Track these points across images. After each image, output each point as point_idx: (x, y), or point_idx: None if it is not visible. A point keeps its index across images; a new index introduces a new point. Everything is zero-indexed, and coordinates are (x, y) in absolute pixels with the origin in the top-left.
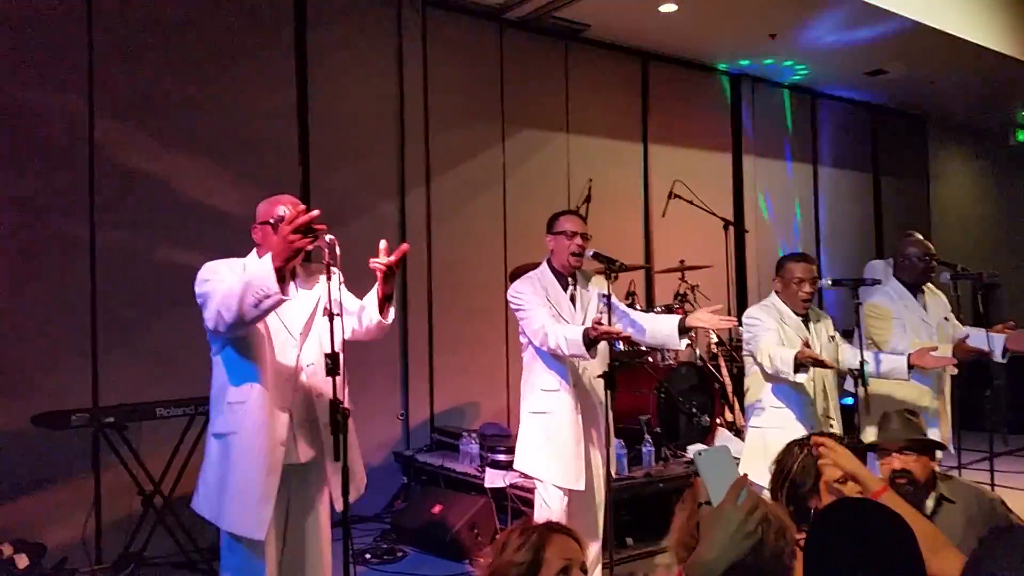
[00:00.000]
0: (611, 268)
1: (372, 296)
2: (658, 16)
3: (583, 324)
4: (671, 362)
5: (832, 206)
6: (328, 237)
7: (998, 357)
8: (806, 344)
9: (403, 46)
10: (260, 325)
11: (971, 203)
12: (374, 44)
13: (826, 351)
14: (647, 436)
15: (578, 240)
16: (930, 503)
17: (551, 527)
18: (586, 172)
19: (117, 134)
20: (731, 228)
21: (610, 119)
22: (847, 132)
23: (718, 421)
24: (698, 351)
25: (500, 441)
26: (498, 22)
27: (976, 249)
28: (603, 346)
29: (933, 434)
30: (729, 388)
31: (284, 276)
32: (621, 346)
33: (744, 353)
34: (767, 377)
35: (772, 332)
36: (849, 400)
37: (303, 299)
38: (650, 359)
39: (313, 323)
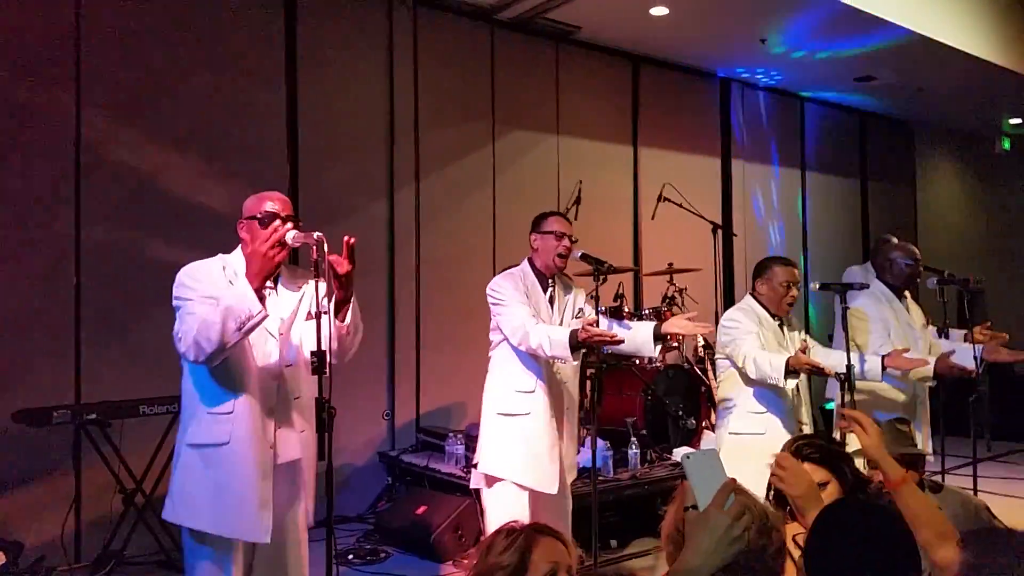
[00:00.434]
0: (599, 270)
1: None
2: (649, 19)
3: (560, 327)
4: (658, 365)
5: (819, 210)
6: (316, 234)
7: (973, 365)
8: (803, 350)
9: (393, 45)
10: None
11: (957, 210)
12: (364, 43)
13: None
14: (633, 438)
15: (566, 242)
16: None
17: (537, 529)
18: (576, 174)
19: (104, 130)
20: (719, 231)
21: (600, 121)
22: (835, 137)
23: (704, 424)
24: (685, 354)
25: None
26: (489, 23)
27: (961, 255)
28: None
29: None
30: (715, 391)
31: (263, 293)
32: (608, 348)
33: (719, 356)
34: (747, 381)
35: (753, 336)
36: (830, 404)
37: (286, 299)
38: (637, 361)
39: (294, 323)
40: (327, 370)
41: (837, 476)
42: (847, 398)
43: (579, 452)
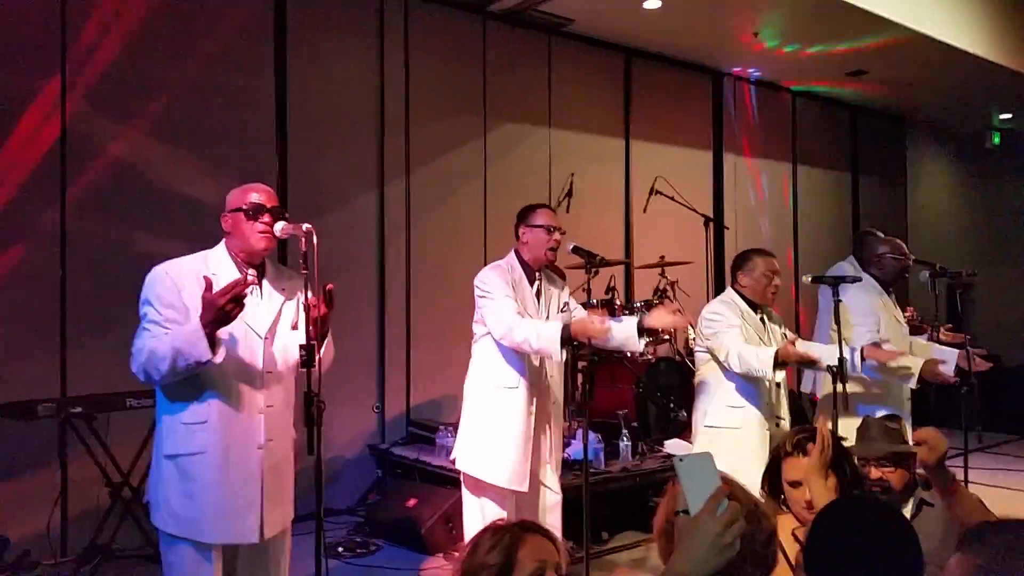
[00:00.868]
0: (591, 263)
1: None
2: (642, 12)
3: (547, 321)
4: (649, 357)
5: (810, 204)
6: (305, 226)
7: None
8: (792, 343)
9: (384, 36)
10: (220, 333)
11: (947, 204)
12: (355, 33)
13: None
14: (624, 431)
15: (556, 235)
16: (909, 508)
17: (525, 527)
18: (568, 167)
19: (90, 120)
20: (711, 224)
21: (592, 114)
22: (826, 131)
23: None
24: (676, 346)
25: None
26: (481, 14)
27: (951, 250)
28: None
29: None
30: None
31: (215, 340)
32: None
33: (699, 348)
34: (727, 375)
35: (736, 329)
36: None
37: (270, 300)
38: (628, 354)
39: (278, 328)
40: (315, 363)
41: (836, 472)
42: (839, 390)
43: (570, 444)
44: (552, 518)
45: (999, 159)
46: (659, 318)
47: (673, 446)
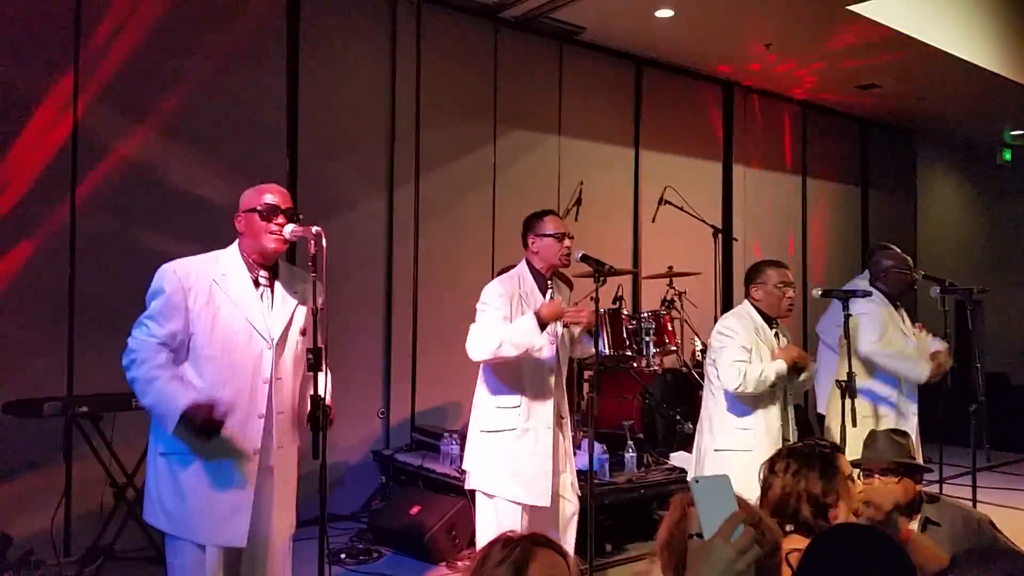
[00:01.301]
0: (600, 271)
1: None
2: (654, 21)
3: (558, 330)
4: (656, 368)
5: (819, 217)
6: (315, 229)
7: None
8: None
9: (397, 40)
10: (225, 339)
11: (956, 219)
12: (368, 36)
13: None
14: (630, 442)
15: (567, 242)
16: (915, 526)
17: (535, 541)
18: (577, 175)
19: (101, 118)
20: (720, 236)
21: (602, 123)
22: (836, 144)
23: None
24: (683, 358)
25: None
26: (493, 21)
27: (961, 264)
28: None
29: None
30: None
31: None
32: (606, 351)
33: (708, 362)
34: (737, 396)
35: (743, 350)
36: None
37: (282, 306)
38: (635, 365)
39: (288, 336)
40: (322, 366)
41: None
42: (847, 406)
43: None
44: (572, 529)
45: (1009, 175)
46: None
47: (679, 458)
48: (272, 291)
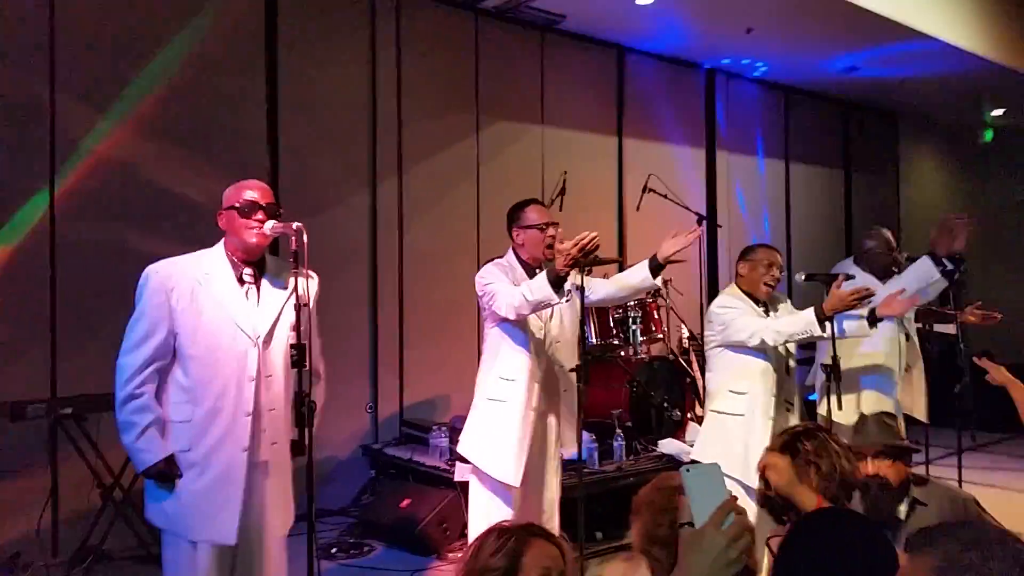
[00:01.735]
0: (584, 261)
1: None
2: (635, 8)
3: (551, 317)
4: (643, 356)
5: (803, 202)
6: (295, 224)
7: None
8: (838, 284)
9: (376, 34)
10: (209, 338)
11: (940, 200)
12: (347, 31)
13: None
14: (618, 430)
15: (551, 231)
16: (903, 508)
17: (531, 531)
18: (561, 165)
19: (79, 118)
20: (704, 222)
21: (585, 112)
22: (819, 128)
23: (689, 415)
24: (670, 345)
25: None
26: (473, 11)
27: None
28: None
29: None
30: (700, 382)
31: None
32: (593, 339)
33: (712, 345)
34: (730, 362)
35: (753, 314)
36: (814, 395)
37: (269, 301)
38: (622, 353)
39: (275, 332)
40: (306, 363)
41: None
42: (832, 388)
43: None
44: (554, 516)
45: (992, 155)
46: (670, 247)
47: (667, 445)
48: (258, 288)
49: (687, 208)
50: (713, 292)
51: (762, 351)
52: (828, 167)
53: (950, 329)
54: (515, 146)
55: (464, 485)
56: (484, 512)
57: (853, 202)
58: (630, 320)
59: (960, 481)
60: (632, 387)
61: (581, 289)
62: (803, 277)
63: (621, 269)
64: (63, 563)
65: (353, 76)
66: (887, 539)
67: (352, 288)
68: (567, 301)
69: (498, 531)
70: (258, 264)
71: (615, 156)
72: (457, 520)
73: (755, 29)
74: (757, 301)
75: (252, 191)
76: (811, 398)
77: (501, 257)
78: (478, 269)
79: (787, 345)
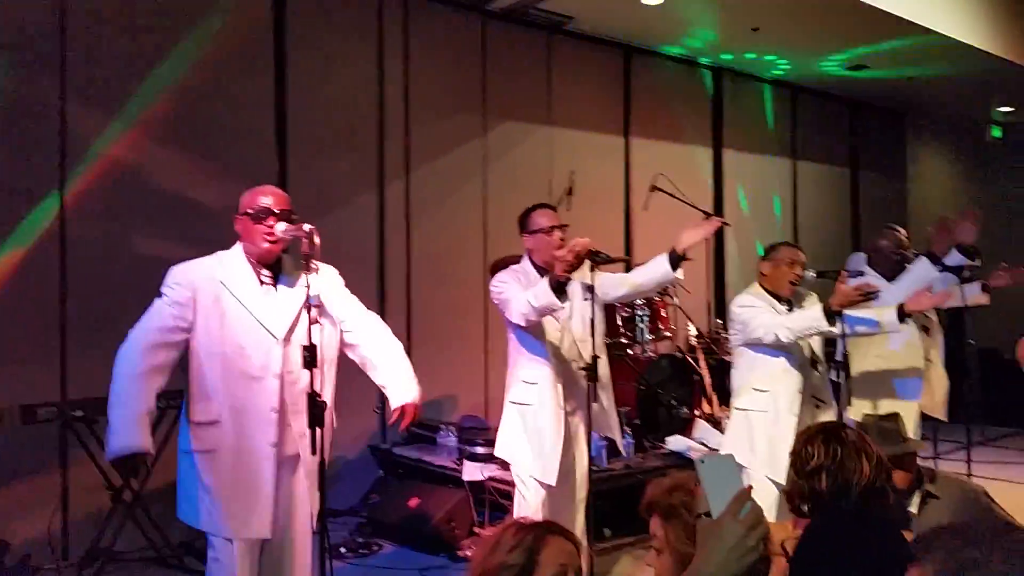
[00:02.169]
0: (593, 260)
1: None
2: (642, 8)
3: (570, 317)
4: (651, 354)
5: (810, 200)
6: (307, 227)
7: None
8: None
9: (384, 35)
10: (233, 338)
11: (948, 198)
12: (354, 32)
13: None
14: (626, 428)
15: (558, 234)
16: (916, 501)
17: (548, 528)
18: (568, 165)
19: (89, 121)
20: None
21: (592, 112)
22: (826, 126)
23: (697, 413)
24: (677, 343)
25: (478, 434)
26: (480, 13)
27: None
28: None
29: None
30: (707, 380)
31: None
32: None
33: (735, 344)
34: (754, 360)
35: (771, 312)
36: None
37: (287, 298)
38: (630, 351)
39: (296, 328)
40: (316, 363)
41: None
42: (842, 384)
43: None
44: (580, 515)
45: (999, 152)
46: (690, 237)
47: (675, 443)
48: (276, 289)
49: (694, 207)
50: (720, 290)
51: (781, 348)
52: (835, 165)
53: (982, 300)
54: (522, 146)
55: (473, 484)
56: (525, 512)
57: (861, 200)
58: (638, 318)
59: (969, 475)
60: (640, 385)
61: (591, 288)
62: (814, 274)
63: (628, 268)
64: (73, 565)
65: (361, 77)
66: (903, 539)
67: (360, 288)
68: (585, 300)
69: (516, 527)
70: (275, 265)
71: (622, 155)
72: (466, 519)
73: (761, 28)
74: (780, 299)
75: (267, 197)
76: None
77: (516, 262)
78: (485, 269)
79: (810, 342)
